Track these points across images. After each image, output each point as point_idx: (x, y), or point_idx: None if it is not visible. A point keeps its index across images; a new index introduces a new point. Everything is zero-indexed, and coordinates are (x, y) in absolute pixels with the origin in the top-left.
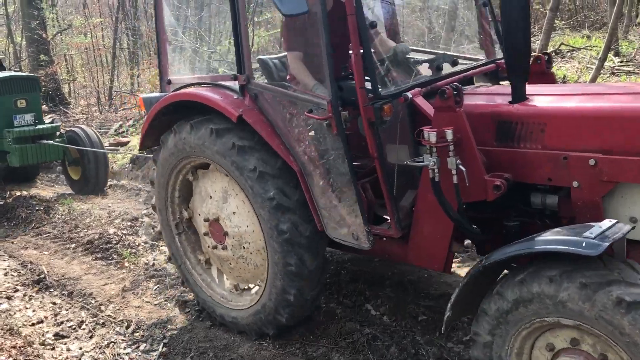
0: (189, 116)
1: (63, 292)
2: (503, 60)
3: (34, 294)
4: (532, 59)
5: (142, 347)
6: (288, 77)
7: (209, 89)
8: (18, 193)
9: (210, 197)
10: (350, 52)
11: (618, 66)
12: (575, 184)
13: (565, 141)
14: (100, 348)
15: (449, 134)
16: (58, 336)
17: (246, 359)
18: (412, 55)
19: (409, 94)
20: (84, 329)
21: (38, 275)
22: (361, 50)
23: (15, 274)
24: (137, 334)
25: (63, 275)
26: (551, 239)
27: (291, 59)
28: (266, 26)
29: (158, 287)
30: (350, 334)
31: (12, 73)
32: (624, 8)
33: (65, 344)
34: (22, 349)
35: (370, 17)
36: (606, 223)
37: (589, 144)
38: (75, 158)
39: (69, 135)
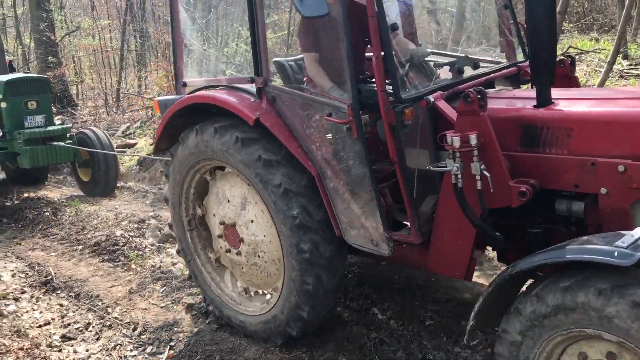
0: (204, 119)
1: (70, 294)
2: (525, 64)
3: (41, 296)
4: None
5: (148, 350)
6: (305, 79)
7: (225, 91)
8: (26, 194)
9: (228, 201)
10: (370, 54)
11: (627, 69)
12: (603, 190)
13: (593, 146)
14: (106, 350)
15: (473, 139)
16: (65, 338)
17: None
18: (430, 57)
19: (431, 98)
20: (90, 331)
21: (45, 277)
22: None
23: (23, 275)
24: (143, 337)
25: (70, 277)
26: (581, 247)
27: (307, 61)
28: (273, 28)
29: (165, 289)
30: (357, 338)
31: (22, 74)
32: (633, 11)
33: (72, 346)
34: (29, 350)
35: (389, 19)
36: (638, 232)
37: (618, 149)
38: (85, 160)
39: (79, 137)
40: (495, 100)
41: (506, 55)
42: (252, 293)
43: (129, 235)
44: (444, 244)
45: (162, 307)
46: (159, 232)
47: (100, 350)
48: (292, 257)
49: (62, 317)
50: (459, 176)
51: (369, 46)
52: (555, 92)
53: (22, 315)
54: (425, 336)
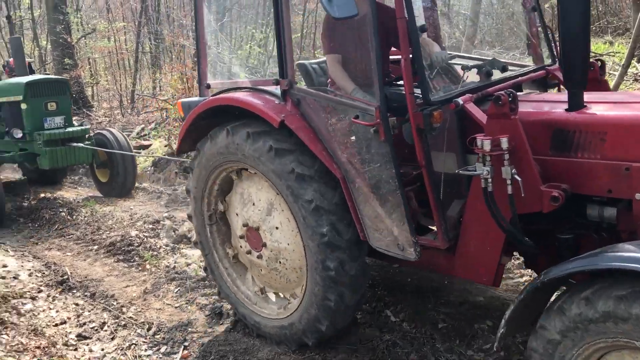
0: (228, 121)
1: (86, 294)
2: (553, 67)
3: (57, 295)
4: None
5: (162, 350)
6: (329, 81)
7: (249, 93)
8: (42, 195)
9: (253, 204)
10: (398, 56)
11: None
12: (638, 196)
13: (627, 151)
14: (121, 349)
15: (504, 142)
16: (81, 337)
17: None
18: (456, 60)
19: (460, 100)
20: (105, 330)
21: (61, 277)
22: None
23: (40, 274)
24: (158, 336)
25: (86, 277)
26: (617, 255)
27: (330, 62)
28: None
29: (179, 289)
30: (370, 340)
31: (42, 76)
32: None
33: (88, 344)
34: (46, 349)
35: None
36: None
37: None
38: (103, 161)
39: (98, 138)
40: (525, 103)
41: (533, 59)
42: (268, 294)
43: (144, 235)
44: (472, 249)
45: (176, 308)
46: (173, 233)
47: (115, 349)
48: (317, 272)
49: (78, 316)
50: (489, 180)
51: (393, 48)
52: (585, 96)
53: (38, 314)
54: (438, 339)
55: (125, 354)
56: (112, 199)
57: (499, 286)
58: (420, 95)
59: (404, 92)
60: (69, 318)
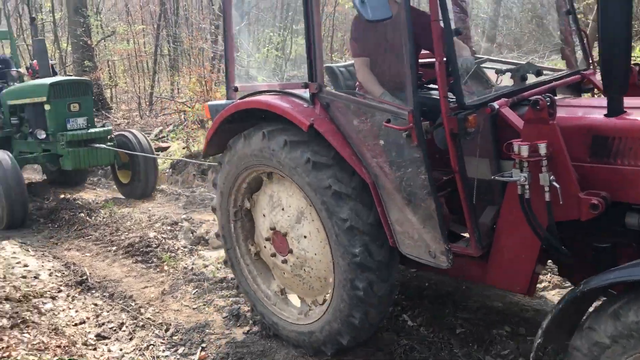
0: (255, 124)
1: (104, 294)
2: (588, 72)
3: (76, 295)
4: None
5: (180, 351)
6: (357, 84)
7: (278, 97)
8: (62, 196)
9: (283, 209)
10: (424, 60)
11: None
12: None
13: None
14: (139, 350)
15: (542, 148)
16: (99, 337)
17: None
18: (488, 64)
19: (496, 105)
20: (124, 331)
21: (81, 277)
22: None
23: (59, 274)
24: (175, 338)
25: (104, 277)
26: None
27: (358, 66)
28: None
29: (197, 291)
30: (387, 345)
31: (65, 77)
32: None
33: (107, 344)
34: (66, 348)
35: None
36: None
37: None
38: (124, 162)
39: (120, 139)
40: (562, 108)
41: (566, 63)
42: (288, 296)
43: (162, 237)
44: (506, 258)
45: (194, 309)
46: (191, 235)
47: (134, 350)
48: (345, 290)
49: (97, 316)
50: (526, 187)
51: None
52: (625, 101)
53: (58, 313)
54: (455, 344)
55: (144, 354)
56: (131, 201)
57: (532, 295)
58: (454, 99)
59: (434, 96)
60: (88, 318)
